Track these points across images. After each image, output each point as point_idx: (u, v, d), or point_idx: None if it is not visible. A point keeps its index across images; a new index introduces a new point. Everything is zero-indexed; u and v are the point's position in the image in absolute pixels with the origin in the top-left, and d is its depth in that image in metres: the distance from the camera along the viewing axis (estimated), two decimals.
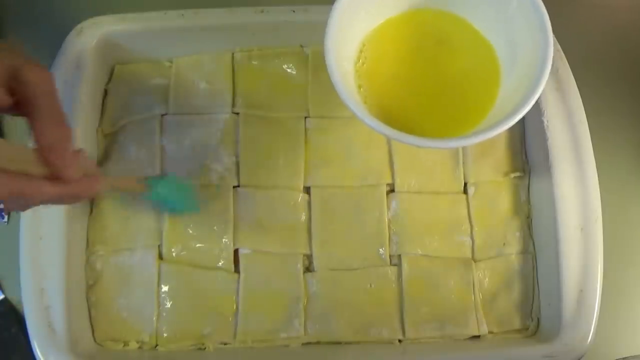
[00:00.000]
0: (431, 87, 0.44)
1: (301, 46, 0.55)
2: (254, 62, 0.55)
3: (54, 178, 0.34)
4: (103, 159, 0.53)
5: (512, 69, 0.42)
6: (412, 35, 0.45)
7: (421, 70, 0.45)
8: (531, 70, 0.39)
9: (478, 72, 0.44)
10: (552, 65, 0.51)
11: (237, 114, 0.54)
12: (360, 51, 0.45)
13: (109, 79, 0.55)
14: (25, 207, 0.37)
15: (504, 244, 0.52)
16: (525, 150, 0.54)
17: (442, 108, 0.44)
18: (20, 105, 0.34)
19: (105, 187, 0.43)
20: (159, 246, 0.51)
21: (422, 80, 0.44)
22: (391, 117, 0.42)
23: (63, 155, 0.34)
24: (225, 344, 0.50)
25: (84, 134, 0.51)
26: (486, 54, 0.44)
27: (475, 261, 0.52)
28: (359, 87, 0.44)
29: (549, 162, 0.49)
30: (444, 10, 0.45)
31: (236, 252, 0.52)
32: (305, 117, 0.54)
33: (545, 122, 0.50)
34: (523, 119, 0.54)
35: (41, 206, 0.47)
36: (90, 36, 0.52)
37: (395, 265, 0.51)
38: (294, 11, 0.53)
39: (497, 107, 0.42)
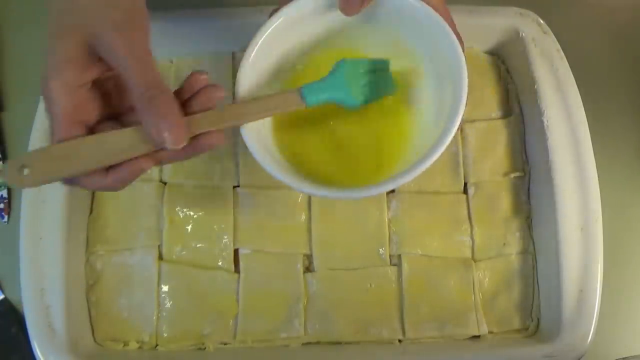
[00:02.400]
0: (343, 136, 0.43)
1: None
2: None
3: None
4: None
5: (436, 105, 0.41)
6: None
7: (338, 115, 0.43)
8: (447, 108, 0.38)
9: (395, 113, 0.43)
10: (552, 65, 0.52)
11: None
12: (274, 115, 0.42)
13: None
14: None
15: (504, 244, 0.52)
16: (525, 150, 0.54)
17: (354, 156, 0.43)
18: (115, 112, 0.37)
19: (232, 127, 0.38)
20: (159, 246, 0.51)
21: (333, 129, 0.44)
22: (310, 171, 0.42)
23: (161, 128, 0.33)
24: (225, 344, 0.50)
25: None
26: (405, 93, 0.43)
27: (475, 261, 0.52)
28: (276, 143, 0.42)
29: (549, 162, 0.49)
30: (352, 48, 0.44)
31: (236, 252, 0.52)
32: None
33: (545, 122, 0.50)
34: (523, 119, 0.55)
35: (41, 205, 0.47)
36: None
37: (395, 265, 0.51)
38: None
39: (411, 151, 0.41)
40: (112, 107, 0.37)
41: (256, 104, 0.38)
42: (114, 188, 0.36)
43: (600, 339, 0.48)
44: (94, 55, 0.35)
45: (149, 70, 0.34)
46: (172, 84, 0.54)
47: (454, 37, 0.38)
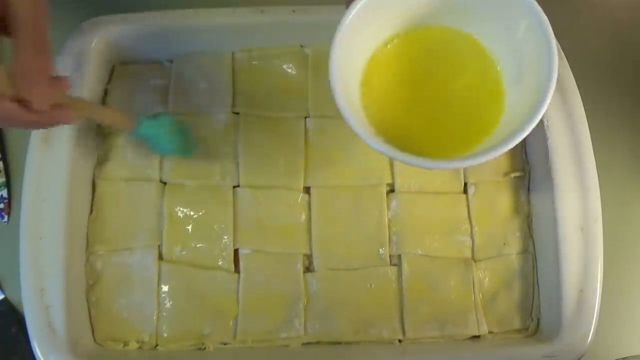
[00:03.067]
0: (435, 105, 0.44)
1: (301, 46, 0.55)
2: (254, 62, 0.55)
3: (22, 102, 0.34)
4: (103, 159, 0.53)
5: (517, 86, 0.42)
6: (416, 53, 0.44)
7: (425, 88, 0.44)
8: (536, 88, 0.38)
9: (482, 90, 0.44)
10: None
11: (237, 114, 0.54)
12: (365, 71, 0.44)
13: (109, 79, 0.55)
14: None
15: (504, 244, 0.52)
16: (525, 150, 0.54)
17: (446, 126, 0.43)
18: (6, 25, 0.34)
19: (81, 118, 0.42)
20: (159, 246, 0.51)
21: (426, 99, 0.44)
22: (396, 137, 0.42)
23: (32, 83, 0.34)
24: (225, 344, 0.50)
25: (84, 134, 0.51)
26: (491, 71, 0.43)
27: (475, 261, 0.52)
28: (364, 107, 0.43)
29: (549, 162, 0.49)
30: (449, 26, 0.44)
31: (236, 252, 0.52)
32: (305, 117, 0.54)
33: (545, 122, 0.50)
34: None
35: (41, 205, 0.47)
36: (90, 36, 0.52)
37: (395, 265, 0.51)
38: (294, 11, 0.53)
39: (501, 125, 0.42)
40: None
41: (101, 109, 0.47)
42: None
43: (600, 339, 0.48)
44: None
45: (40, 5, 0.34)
46: (172, 84, 0.55)
47: (542, 14, 0.38)
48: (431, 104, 0.44)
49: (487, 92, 0.43)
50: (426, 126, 0.43)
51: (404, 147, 0.39)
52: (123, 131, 0.51)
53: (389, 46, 0.44)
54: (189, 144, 0.52)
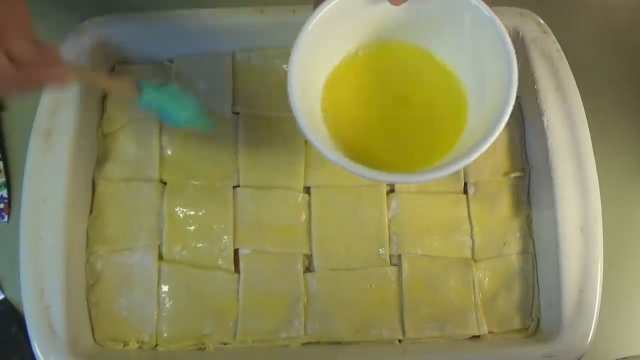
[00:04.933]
0: (397, 119, 0.44)
1: None
2: (254, 62, 0.55)
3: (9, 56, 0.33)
4: (103, 159, 0.53)
5: (480, 97, 0.42)
6: (380, 67, 0.45)
7: (387, 102, 0.44)
8: (497, 101, 0.38)
9: (444, 104, 0.44)
10: (552, 65, 0.52)
11: (237, 114, 0.54)
12: (326, 89, 0.44)
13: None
14: None
15: (504, 244, 0.52)
16: (525, 150, 0.54)
17: (408, 140, 0.44)
18: None
19: (72, 78, 0.39)
20: (159, 246, 0.51)
21: (388, 112, 0.44)
22: (358, 150, 0.42)
23: (10, 30, 0.33)
24: (225, 344, 0.50)
25: (84, 134, 0.51)
26: (453, 85, 0.44)
27: (475, 261, 0.52)
28: (326, 119, 0.43)
29: (549, 162, 0.49)
30: (408, 42, 0.44)
31: (236, 252, 0.52)
32: None
33: (545, 122, 0.50)
34: (523, 119, 0.55)
35: (41, 205, 0.47)
36: (90, 36, 0.52)
37: (395, 265, 0.51)
38: (294, 11, 0.53)
39: (464, 138, 0.42)
40: None
41: (100, 75, 0.44)
42: None
43: (600, 339, 0.48)
44: None
45: None
46: None
47: (503, 30, 0.38)
48: (393, 118, 0.44)
49: (450, 107, 0.44)
50: (388, 139, 0.44)
51: (365, 159, 0.39)
52: (131, 101, 0.46)
53: (352, 59, 0.45)
54: (203, 115, 0.48)
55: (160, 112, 0.46)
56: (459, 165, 0.37)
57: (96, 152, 0.53)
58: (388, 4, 0.39)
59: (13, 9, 0.34)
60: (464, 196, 0.53)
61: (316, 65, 0.42)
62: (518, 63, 0.38)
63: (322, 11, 0.39)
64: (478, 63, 0.42)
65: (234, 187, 0.53)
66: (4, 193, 0.56)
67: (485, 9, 0.38)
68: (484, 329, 0.50)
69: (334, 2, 0.39)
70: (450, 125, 0.43)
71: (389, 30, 0.43)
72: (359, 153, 0.42)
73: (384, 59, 0.45)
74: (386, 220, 0.52)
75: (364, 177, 0.38)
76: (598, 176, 0.49)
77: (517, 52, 0.52)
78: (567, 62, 0.52)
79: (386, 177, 0.38)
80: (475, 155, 0.37)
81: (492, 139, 0.37)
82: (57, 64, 0.37)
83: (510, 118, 0.53)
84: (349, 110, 0.44)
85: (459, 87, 0.44)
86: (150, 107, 0.45)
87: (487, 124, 0.38)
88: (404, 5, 0.40)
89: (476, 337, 0.51)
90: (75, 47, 0.51)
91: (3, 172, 0.56)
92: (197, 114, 0.47)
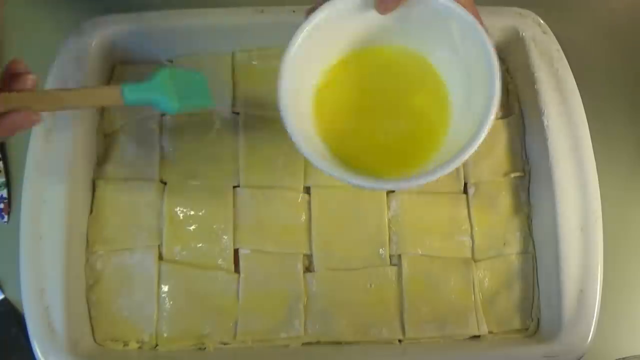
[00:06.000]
0: (385, 123, 0.45)
1: None
2: (254, 62, 0.55)
3: None
4: (103, 159, 0.53)
5: (465, 106, 0.42)
6: (369, 72, 0.45)
7: (376, 106, 0.45)
8: (482, 107, 0.39)
9: (431, 109, 0.45)
10: (552, 65, 0.52)
11: (237, 113, 0.54)
12: (317, 87, 0.45)
13: (109, 79, 0.55)
14: None
15: (504, 244, 0.52)
16: (525, 150, 0.54)
17: (395, 144, 0.44)
18: None
19: (46, 109, 0.38)
20: (159, 246, 0.51)
21: (377, 117, 0.45)
22: (346, 154, 0.43)
23: None
24: (225, 344, 0.50)
25: (84, 134, 0.51)
26: (440, 91, 0.44)
27: (475, 261, 0.52)
28: (315, 125, 0.44)
29: (549, 162, 0.49)
30: (401, 46, 0.45)
31: (236, 252, 0.52)
32: None
33: (545, 122, 0.50)
34: (523, 119, 0.55)
35: (41, 205, 0.47)
36: (90, 36, 0.52)
37: (395, 265, 0.51)
38: (294, 11, 0.53)
39: (448, 143, 0.43)
40: None
41: (76, 93, 0.40)
42: None
43: (600, 339, 0.48)
44: None
45: None
46: None
47: (487, 38, 0.39)
48: (381, 122, 0.45)
49: (436, 111, 0.44)
50: (376, 143, 0.44)
51: (353, 163, 0.40)
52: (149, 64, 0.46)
53: (341, 64, 0.45)
54: (200, 96, 0.46)
55: (152, 105, 0.43)
56: (442, 173, 0.38)
57: (96, 152, 0.53)
58: (376, 13, 0.40)
59: None
60: (464, 196, 0.53)
61: (306, 71, 0.42)
62: (502, 69, 0.39)
63: (313, 21, 0.40)
64: (464, 67, 0.42)
65: (234, 187, 0.53)
66: (4, 193, 0.56)
67: (467, 15, 0.39)
68: (484, 329, 0.50)
69: (324, 13, 0.40)
70: (435, 129, 0.44)
71: (378, 35, 0.44)
72: (350, 158, 0.43)
73: (375, 63, 0.45)
74: (386, 220, 0.52)
75: (351, 184, 0.39)
76: (598, 176, 0.49)
77: (517, 52, 0.53)
78: (567, 62, 0.52)
79: (368, 184, 0.39)
80: (464, 157, 0.38)
81: (475, 145, 0.38)
82: (23, 108, 0.37)
83: (510, 117, 0.54)
84: (338, 114, 0.45)
85: (446, 92, 0.44)
86: (141, 105, 0.43)
87: (470, 129, 0.38)
88: (393, 12, 0.40)
89: (476, 337, 0.51)
90: (75, 47, 0.51)
91: (3, 172, 0.56)
92: (190, 99, 0.45)
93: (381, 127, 0.45)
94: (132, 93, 0.41)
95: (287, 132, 0.39)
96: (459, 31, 0.41)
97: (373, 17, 0.41)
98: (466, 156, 0.38)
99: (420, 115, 0.45)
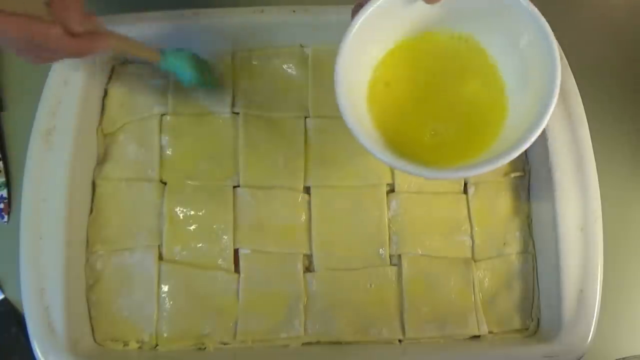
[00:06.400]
0: (439, 113, 0.44)
1: (301, 46, 0.55)
2: (254, 62, 0.55)
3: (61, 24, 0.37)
4: (103, 159, 0.53)
5: (521, 95, 0.42)
6: (422, 59, 0.45)
7: (430, 95, 0.44)
8: (539, 98, 0.38)
9: (486, 98, 0.44)
10: None
11: (237, 114, 0.54)
12: (372, 77, 0.44)
13: (109, 79, 0.55)
14: (39, 55, 0.39)
15: (504, 244, 0.52)
16: (526, 150, 0.54)
17: (449, 134, 0.43)
18: None
19: (113, 45, 0.43)
20: (159, 246, 0.51)
21: (431, 106, 0.44)
22: (399, 143, 0.42)
23: (69, 9, 0.37)
24: (225, 344, 0.50)
25: (84, 134, 0.51)
26: (495, 79, 0.44)
27: (475, 261, 0.52)
28: (369, 112, 0.43)
29: (549, 162, 0.49)
30: (456, 33, 0.44)
31: (236, 252, 0.52)
32: (305, 117, 0.54)
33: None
34: None
35: (41, 205, 0.47)
36: None
37: (395, 265, 0.51)
38: (294, 11, 0.53)
39: (504, 134, 0.42)
40: None
41: (129, 41, 0.46)
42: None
43: (600, 339, 0.48)
44: None
45: None
46: (172, 84, 0.55)
47: (543, 19, 0.38)
48: (435, 111, 0.44)
49: (491, 101, 0.43)
50: (430, 133, 0.43)
51: (406, 153, 0.39)
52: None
53: (395, 52, 0.44)
54: (209, 77, 0.53)
55: (176, 74, 0.50)
56: (505, 160, 0.37)
57: (96, 152, 0.53)
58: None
59: None
60: (464, 196, 0.53)
61: (361, 61, 0.42)
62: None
63: (366, 12, 0.39)
64: (518, 52, 0.41)
65: (234, 187, 0.53)
66: (4, 193, 0.56)
67: (531, 7, 0.39)
68: (484, 329, 0.50)
69: (373, 6, 0.39)
70: (491, 120, 0.43)
71: (427, 23, 0.43)
72: (401, 145, 0.42)
73: (428, 50, 0.44)
74: (386, 220, 0.52)
75: (408, 172, 0.38)
76: (598, 176, 0.49)
77: None
78: (567, 62, 0.52)
79: (431, 174, 0.38)
80: (518, 152, 0.37)
81: (533, 137, 0.37)
82: (102, 35, 0.41)
83: None
84: (392, 102, 0.44)
85: (501, 82, 0.43)
86: (167, 70, 0.50)
87: (527, 121, 0.38)
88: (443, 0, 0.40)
89: (476, 337, 0.51)
90: None
91: (3, 172, 0.56)
92: (207, 77, 0.52)
93: (436, 116, 0.44)
94: (170, 54, 0.49)
95: (348, 128, 0.38)
96: (513, 14, 0.40)
97: (421, 7, 0.40)
98: (529, 142, 0.37)
99: (475, 103, 0.44)
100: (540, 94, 0.38)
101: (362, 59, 0.42)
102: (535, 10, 0.38)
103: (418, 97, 0.44)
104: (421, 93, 0.44)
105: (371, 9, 0.39)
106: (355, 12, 0.40)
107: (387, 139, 0.42)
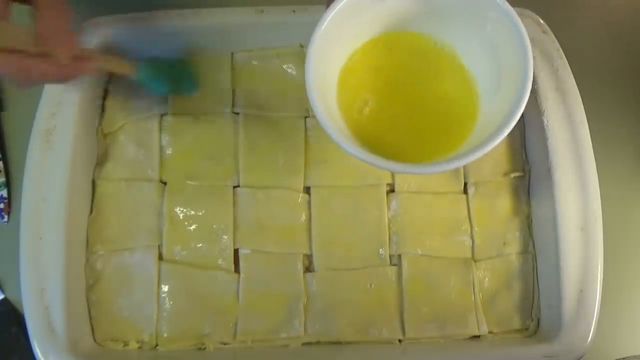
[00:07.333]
0: (412, 111, 0.44)
1: (301, 46, 0.55)
2: (254, 62, 0.55)
3: (48, 57, 0.38)
4: (103, 159, 0.53)
5: (495, 89, 0.42)
6: (394, 58, 0.45)
7: (402, 93, 0.44)
8: (512, 93, 0.38)
9: (459, 95, 0.44)
10: (552, 65, 0.52)
11: (237, 114, 0.54)
12: (341, 74, 0.44)
13: (109, 79, 0.55)
14: (26, 83, 0.40)
15: (504, 244, 0.52)
16: (525, 150, 0.54)
17: (423, 131, 0.44)
18: None
19: (98, 67, 0.44)
20: (159, 246, 0.51)
21: (403, 104, 0.44)
22: (373, 142, 0.42)
23: (57, 42, 0.38)
24: (225, 344, 0.50)
25: (84, 134, 0.51)
26: (467, 77, 0.44)
27: (475, 261, 0.52)
28: (341, 110, 0.43)
29: (549, 162, 0.49)
30: (427, 33, 0.44)
31: (236, 252, 0.52)
32: (305, 117, 0.54)
33: (545, 122, 0.50)
34: (523, 119, 0.55)
35: (41, 205, 0.48)
36: (90, 36, 0.52)
37: (395, 265, 0.51)
38: (294, 11, 0.53)
39: (477, 130, 0.42)
40: None
41: (104, 58, 0.47)
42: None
43: (600, 339, 0.48)
44: None
45: None
46: None
47: (518, 20, 0.38)
48: (408, 109, 0.44)
49: (464, 98, 0.43)
50: (403, 131, 0.44)
51: (381, 152, 0.39)
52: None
53: (364, 51, 0.44)
54: (189, 82, 0.53)
55: (150, 86, 0.50)
56: (473, 157, 0.37)
57: (96, 152, 0.53)
58: None
59: (59, 14, 0.39)
60: (464, 196, 0.53)
61: (332, 57, 0.42)
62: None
63: (336, 8, 0.39)
64: (493, 56, 0.41)
65: (234, 187, 0.53)
66: (4, 193, 0.56)
67: (502, 2, 0.38)
68: (484, 329, 0.50)
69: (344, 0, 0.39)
70: (462, 118, 0.43)
71: (404, 21, 0.43)
72: (374, 144, 0.42)
73: (400, 48, 0.45)
74: (386, 220, 0.52)
75: (380, 168, 0.38)
76: (598, 176, 0.49)
77: None
78: (567, 62, 0.52)
79: (403, 168, 0.38)
80: (488, 148, 0.37)
81: (505, 133, 0.37)
82: (86, 59, 0.42)
83: None
84: (364, 101, 0.44)
85: (471, 79, 0.44)
86: (147, 83, 0.50)
87: (501, 116, 0.38)
88: None
89: (476, 337, 0.51)
90: None
91: (3, 172, 0.56)
92: (187, 83, 0.53)
93: (407, 112, 0.44)
94: (144, 67, 0.49)
95: (318, 121, 0.38)
96: (489, 17, 0.40)
97: (398, 2, 0.41)
98: (498, 140, 0.37)
99: (447, 102, 0.44)
100: (513, 90, 0.38)
101: (332, 55, 0.42)
102: (508, 7, 0.38)
103: (390, 95, 0.44)
104: (393, 91, 0.44)
105: (340, 4, 0.39)
106: (329, 2, 0.40)
107: (360, 138, 0.42)
